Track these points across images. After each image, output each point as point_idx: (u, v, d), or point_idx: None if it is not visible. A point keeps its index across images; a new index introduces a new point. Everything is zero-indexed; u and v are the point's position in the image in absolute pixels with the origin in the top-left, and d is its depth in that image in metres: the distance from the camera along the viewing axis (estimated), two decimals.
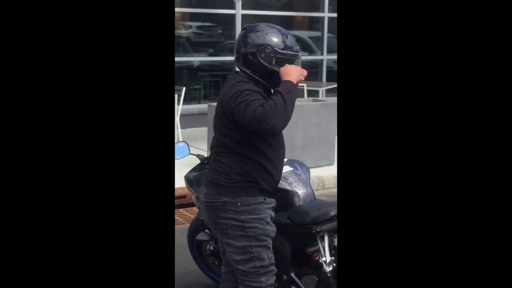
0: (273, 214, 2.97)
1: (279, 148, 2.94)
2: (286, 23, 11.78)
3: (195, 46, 10.91)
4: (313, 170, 3.83)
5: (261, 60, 2.82)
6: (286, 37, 2.90)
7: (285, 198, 3.41)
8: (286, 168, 3.56)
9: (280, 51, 2.83)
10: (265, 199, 2.90)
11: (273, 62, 2.82)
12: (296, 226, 3.28)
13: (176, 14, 10.86)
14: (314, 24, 12.07)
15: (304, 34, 12.06)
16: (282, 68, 2.76)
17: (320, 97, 9.22)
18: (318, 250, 3.22)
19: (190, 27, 11.07)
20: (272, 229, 2.93)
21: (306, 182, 3.55)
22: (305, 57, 11.90)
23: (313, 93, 9.52)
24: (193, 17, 10.92)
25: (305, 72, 2.82)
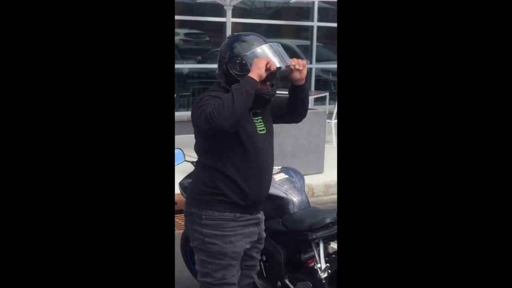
0: (251, 230, 2.84)
1: (253, 160, 2.76)
2: (275, 32, 11.84)
3: (183, 53, 10.93)
4: None
5: (232, 71, 2.75)
6: (268, 48, 2.75)
7: (280, 205, 3.45)
8: (281, 176, 3.60)
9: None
10: (236, 215, 2.77)
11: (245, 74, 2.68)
12: (291, 232, 3.31)
13: None
14: (302, 32, 12.13)
15: (293, 42, 12.11)
16: None
17: (309, 106, 9.25)
18: (313, 257, 3.25)
19: (178, 34, 11.08)
20: (232, 250, 2.77)
21: (301, 190, 3.58)
22: None
23: None
24: (181, 24, 10.94)
25: (267, 59, 2.64)
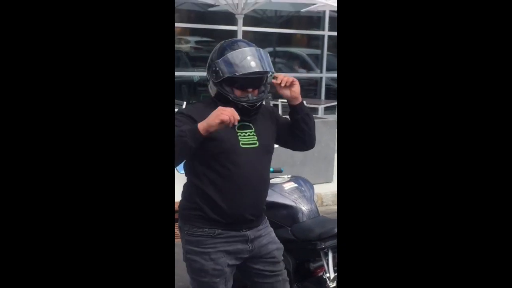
0: (238, 248, 2.66)
1: (232, 176, 2.57)
2: (286, 40, 11.87)
3: (194, 61, 10.97)
4: None
5: (211, 79, 2.61)
6: (241, 57, 2.55)
7: (289, 214, 3.46)
8: (291, 185, 3.61)
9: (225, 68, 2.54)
10: (216, 232, 2.61)
11: (222, 82, 2.55)
12: (300, 241, 3.32)
13: (176, 29, 10.93)
14: (313, 41, 12.15)
15: (304, 51, 12.14)
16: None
17: (319, 115, 9.27)
18: (322, 266, 3.26)
19: (189, 42, 11.13)
20: (213, 267, 2.61)
21: (310, 199, 3.59)
22: (304, 74, 11.97)
23: (312, 111, 9.55)
24: (192, 32, 11.00)
25: (225, 117, 2.33)
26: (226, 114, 2.34)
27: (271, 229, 2.85)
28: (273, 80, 2.59)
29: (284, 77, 2.59)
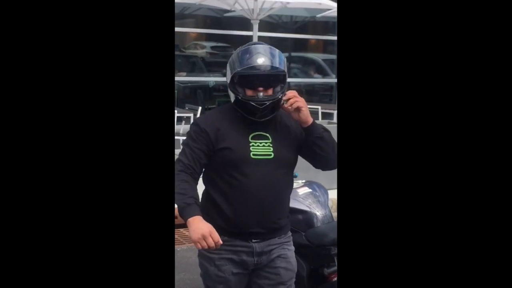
0: (243, 259, 2.60)
1: (241, 187, 2.53)
2: (301, 46, 11.88)
3: (210, 66, 11.02)
4: None
5: (227, 82, 2.59)
6: (249, 54, 2.53)
7: (303, 219, 3.46)
8: (305, 190, 3.61)
9: (236, 70, 2.53)
10: (221, 238, 2.51)
11: (234, 82, 2.54)
12: (315, 247, 3.32)
13: (192, 34, 10.99)
14: (329, 47, 12.16)
15: (319, 56, 12.15)
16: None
17: (334, 120, 9.24)
18: (336, 272, 3.25)
19: (205, 47, 11.20)
20: (216, 273, 2.60)
21: (325, 204, 3.59)
22: (319, 79, 11.97)
23: (327, 116, 9.58)
24: (208, 37, 11.05)
25: (198, 246, 2.38)
26: (202, 246, 2.36)
27: (291, 248, 2.73)
28: (283, 105, 2.53)
29: (291, 100, 2.51)
